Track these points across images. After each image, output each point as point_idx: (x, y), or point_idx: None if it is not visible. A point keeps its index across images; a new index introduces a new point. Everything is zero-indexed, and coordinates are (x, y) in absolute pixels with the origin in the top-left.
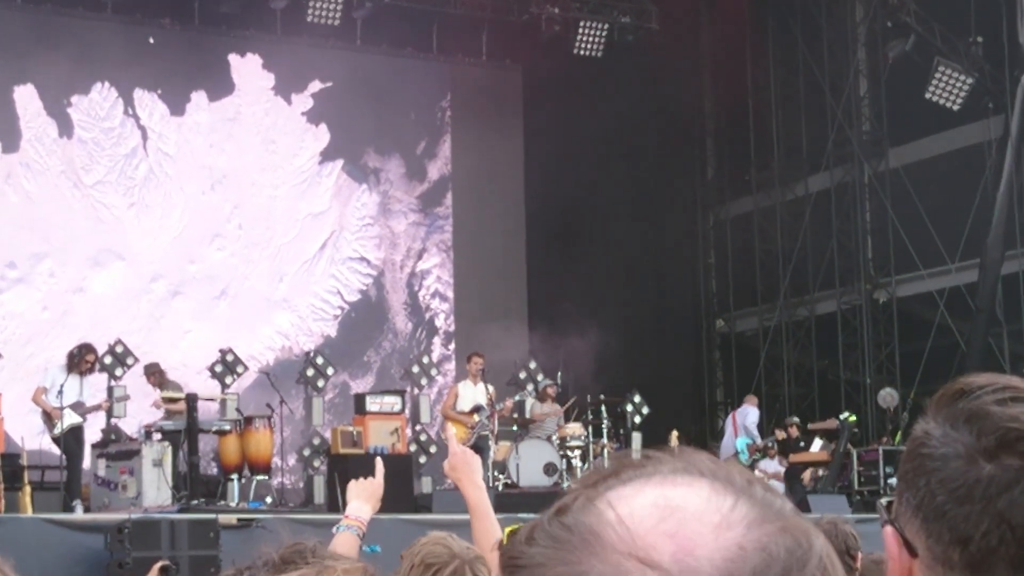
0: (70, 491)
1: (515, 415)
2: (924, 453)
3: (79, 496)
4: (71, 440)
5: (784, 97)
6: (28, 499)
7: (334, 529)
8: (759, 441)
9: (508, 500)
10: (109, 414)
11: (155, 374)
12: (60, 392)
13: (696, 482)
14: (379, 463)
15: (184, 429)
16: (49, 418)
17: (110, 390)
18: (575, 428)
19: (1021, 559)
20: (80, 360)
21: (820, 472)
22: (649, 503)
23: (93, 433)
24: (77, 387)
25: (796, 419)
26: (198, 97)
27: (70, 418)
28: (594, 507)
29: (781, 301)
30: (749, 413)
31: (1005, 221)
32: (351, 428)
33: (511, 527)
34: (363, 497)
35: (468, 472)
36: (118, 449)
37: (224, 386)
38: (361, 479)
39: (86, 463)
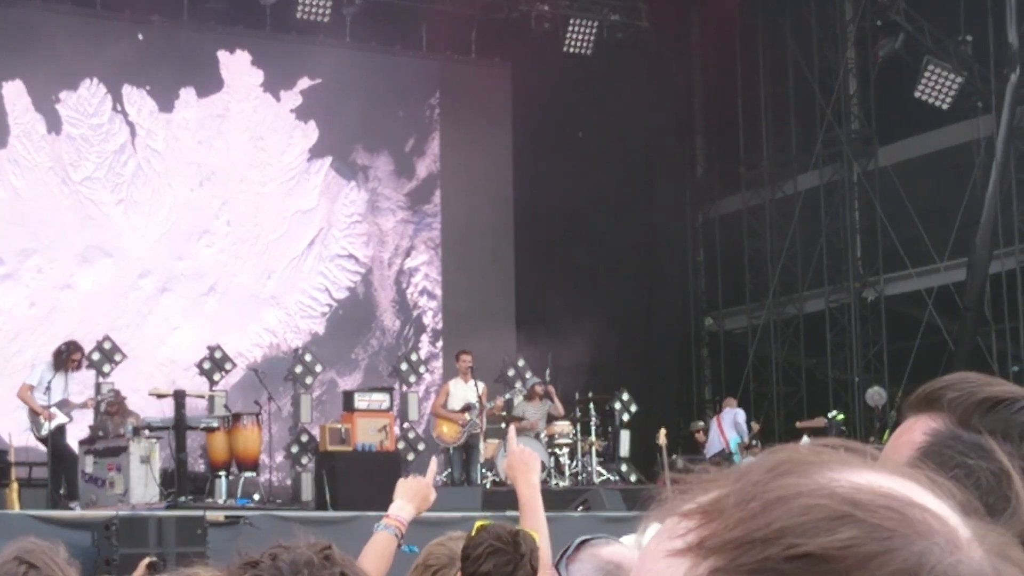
0: (70, 492)
1: (504, 413)
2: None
3: (77, 497)
4: (60, 438)
5: (774, 95)
6: (15, 496)
7: (374, 527)
8: (747, 438)
9: (496, 498)
10: (97, 411)
11: (117, 403)
12: (48, 389)
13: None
14: (432, 463)
15: (172, 426)
16: (36, 416)
17: (98, 387)
18: (563, 426)
19: None
20: (67, 358)
21: None
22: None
23: (81, 429)
24: (63, 384)
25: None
26: (187, 93)
27: (58, 417)
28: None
29: (770, 299)
30: (737, 412)
31: (993, 220)
32: (339, 425)
33: (481, 522)
34: (408, 496)
35: (525, 471)
36: (106, 446)
37: (212, 383)
38: (411, 477)
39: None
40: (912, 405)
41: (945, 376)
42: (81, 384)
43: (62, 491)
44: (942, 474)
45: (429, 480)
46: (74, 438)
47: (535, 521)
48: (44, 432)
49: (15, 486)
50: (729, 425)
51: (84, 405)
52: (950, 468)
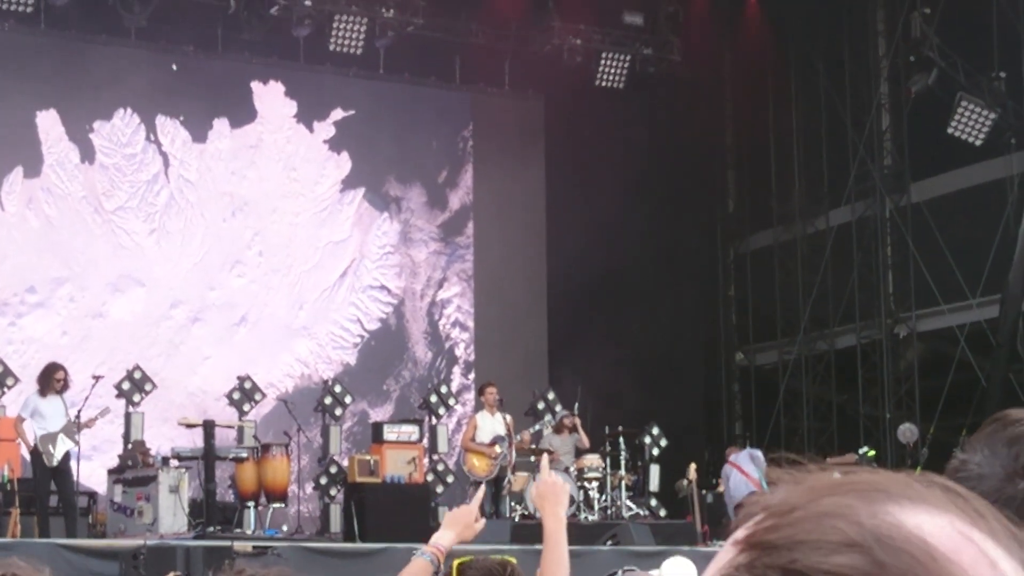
0: (66, 512)
1: (533, 446)
2: (961, 476)
3: (74, 518)
4: (64, 463)
5: (806, 130)
6: (15, 523)
7: (413, 554)
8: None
9: (524, 531)
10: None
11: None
12: (42, 416)
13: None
14: (480, 492)
15: (201, 456)
16: (36, 451)
17: (106, 410)
18: (593, 460)
19: None
20: (50, 380)
21: None
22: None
23: (110, 459)
24: (61, 409)
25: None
26: (220, 124)
27: (64, 444)
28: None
29: (801, 335)
30: (755, 454)
31: None
32: (368, 457)
33: (460, 559)
34: (451, 524)
35: (555, 502)
36: (135, 475)
37: (242, 413)
38: (460, 507)
39: (102, 488)
40: None
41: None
42: (72, 406)
43: (58, 506)
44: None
45: (474, 508)
46: (103, 467)
47: (559, 554)
48: (55, 461)
49: (15, 513)
50: (748, 463)
51: (87, 425)
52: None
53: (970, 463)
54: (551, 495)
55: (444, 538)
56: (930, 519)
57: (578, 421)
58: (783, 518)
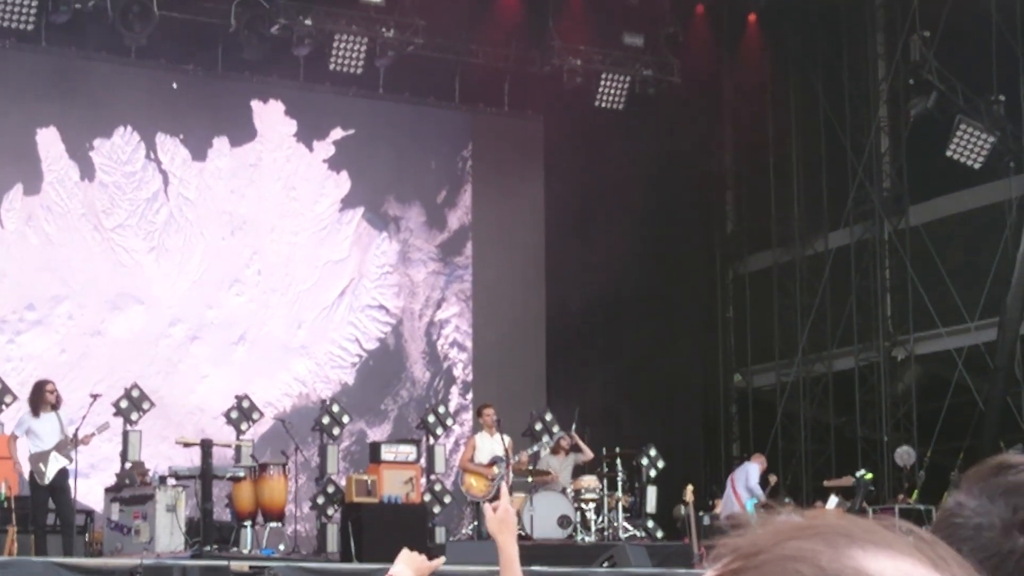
0: (64, 528)
1: (531, 467)
2: (957, 523)
3: (71, 536)
4: (62, 480)
5: (805, 152)
6: (11, 541)
7: None
8: (763, 498)
9: (521, 552)
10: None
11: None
12: (37, 435)
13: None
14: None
15: (198, 475)
16: (37, 465)
17: (105, 425)
18: (590, 481)
19: None
20: (41, 396)
21: None
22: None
23: (107, 477)
24: (56, 426)
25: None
26: (220, 142)
27: (57, 462)
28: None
29: (799, 357)
30: (750, 472)
31: None
32: (366, 477)
33: None
34: (408, 562)
35: (511, 527)
36: (132, 493)
37: (239, 432)
38: (415, 553)
39: (99, 506)
40: None
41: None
42: (68, 421)
43: (55, 524)
44: (951, 548)
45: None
46: (100, 485)
47: (514, 573)
48: (47, 480)
49: (12, 531)
50: (742, 486)
51: (83, 441)
52: (958, 537)
53: (966, 508)
54: (509, 521)
55: (403, 573)
56: (892, 564)
57: (575, 436)
58: (748, 560)
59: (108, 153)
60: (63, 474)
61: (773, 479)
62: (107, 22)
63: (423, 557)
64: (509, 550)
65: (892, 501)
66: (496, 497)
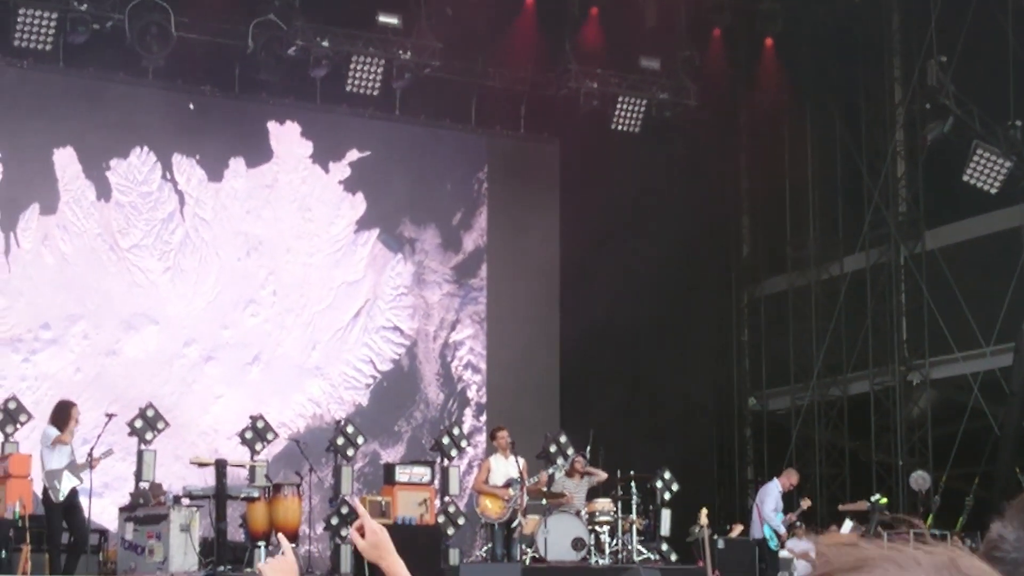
0: (77, 545)
1: (545, 489)
2: (996, 556)
3: (85, 551)
4: (74, 499)
5: (821, 176)
6: (25, 559)
7: None
8: (780, 526)
9: (535, 574)
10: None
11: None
12: (56, 452)
13: None
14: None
15: (212, 495)
16: (52, 482)
17: (109, 451)
18: (604, 503)
19: None
20: (69, 415)
21: None
22: None
23: (121, 496)
24: (67, 447)
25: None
26: (236, 163)
27: (70, 481)
28: None
29: (814, 381)
30: (767, 496)
31: None
32: (380, 498)
33: None
34: (275, 571)
35: (386, 544)
36: (146, 513)
37: (254, 452)
38: (275, 560)
39: (113, 526)
40: None
41: None
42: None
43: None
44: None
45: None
46: (114, 504)
47: None
48: (61, 497)
49: (26, 550)
50: (766, 508)
51: (91, 465)
52: (999, 571)
53: (1006, 542)
54: (383, 541)
55: None
56: None
57: (582, 461)
58: None
59: (124, 173)
60: (74, 493)
61: (807, 503)
62: (125, 43)
63: (280, 558)
64: (396, 570)
65: (906, 526)
66: (512, 518)
